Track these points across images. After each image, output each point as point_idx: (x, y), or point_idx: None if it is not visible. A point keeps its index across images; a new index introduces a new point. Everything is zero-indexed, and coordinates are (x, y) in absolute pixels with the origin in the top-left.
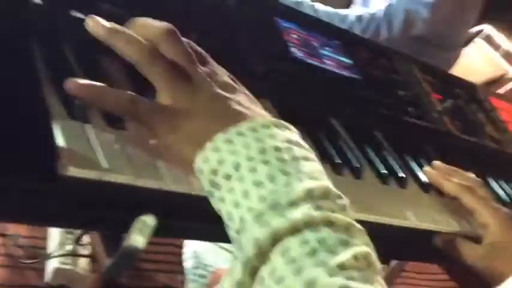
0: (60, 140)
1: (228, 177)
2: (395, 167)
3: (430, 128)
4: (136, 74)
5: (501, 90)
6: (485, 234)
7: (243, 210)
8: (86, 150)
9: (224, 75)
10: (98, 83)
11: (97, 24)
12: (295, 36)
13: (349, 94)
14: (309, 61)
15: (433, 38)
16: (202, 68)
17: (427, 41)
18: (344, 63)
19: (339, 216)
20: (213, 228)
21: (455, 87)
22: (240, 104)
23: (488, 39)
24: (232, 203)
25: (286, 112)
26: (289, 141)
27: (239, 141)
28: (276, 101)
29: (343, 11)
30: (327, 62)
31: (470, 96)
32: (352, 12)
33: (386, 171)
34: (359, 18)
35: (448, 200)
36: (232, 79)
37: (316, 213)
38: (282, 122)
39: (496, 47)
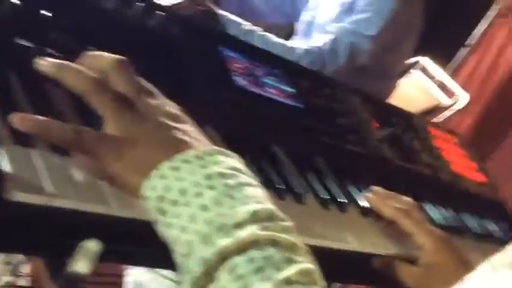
0: (5, 166)
1: (174, 203)
2: (336, 192)
3: (369, 155)
4: (84, 104)
5: (437, 120)
6: (420, 255)
7: (190, 233)
8: (32, 176)
9: (171, 106)
10: (41, 118)
11: (46, 62)
12: (238, 65)
13: (292, 122)
14: (252, 90)
15: (373, 69)
16: (149, 99)
17: (368, 71)
18: (287, 92)
19: (283, 236)
20: (159, 254)
21: (393, 116)
22: (185, 133)
23: (424, 70)
24: (179, 228)
25: (230, 139)
26: (234, 168)
27: (185, 168)
28: (220, 128)
29: (291, 43)
30: (270, 90)
31: (407, 124)
32: (300, 45)
33: (327, 197)
34: (306, 51)
35: (386, 224)
36: (180, 110)
37: (262, 233)
38: (226, 150)
39: (431, 77)
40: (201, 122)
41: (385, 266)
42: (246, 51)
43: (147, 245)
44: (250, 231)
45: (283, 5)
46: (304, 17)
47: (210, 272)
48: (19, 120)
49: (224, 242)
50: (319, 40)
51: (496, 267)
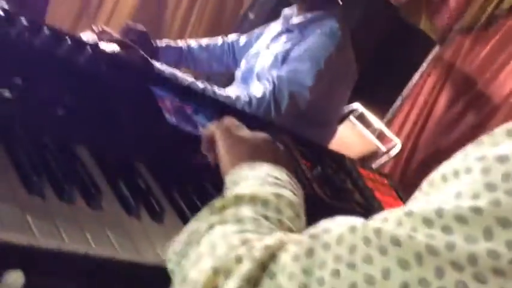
0: None
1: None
2: None
3: None
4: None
5: (374, 165)
6: None
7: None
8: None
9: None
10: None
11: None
12: (169, 103)
13: None
14: (183, 127)
15: (310, 116)
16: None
17: (306, 119)
18: None
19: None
20: (84, 285)
21: (323, 157)
22: (277, 154)
23: (361, 118)
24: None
25: (159, 174)
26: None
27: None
28: (149, 165)
29: (232, 93)
30: (200, 128)
31: (339, 165)
32: (242, 95)
33: None
34: (249, 102)
35: None
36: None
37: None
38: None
39: (368, 124)
40: (132, 158)
41: None
42: (176, 91)
43: (72, 277)
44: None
45: (223, 56)
46: (243, 65)
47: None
48: None
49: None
50: (258, 88)
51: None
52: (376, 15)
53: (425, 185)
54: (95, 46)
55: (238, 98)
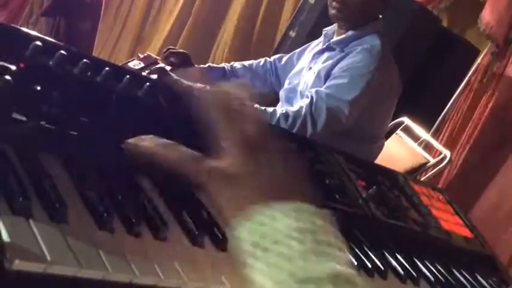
0: (5, 236)
1: (266, 250)
2: None
3: (357, 213)
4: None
5: (424, 179)
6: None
7: (274, 282)
8: (31, 245)
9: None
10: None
11: None
12: None
13: None
14: None
15: (354, 132)
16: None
17: (349, 136)
18: None
19: None
20: None
21: (378, 175)
22: (290, 182)
23: (408, 131)
24: (265, 275)
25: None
26: (323, 227)
27: (282, 220)
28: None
29: (270, 109)
30: None
31: (393, 183)
32: (278, 109)
33: None
34: (285, 115)
35: None
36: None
37: None
38: (320, 209)
39: (416, 137)
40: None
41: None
42: None
43: None
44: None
45: (266, 75)
46: (286, 84)
47: None
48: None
49: None
50: (298, 105)
51: None
52: (418, 27)
53: None
54: (150, 78)
55: (275, 111)
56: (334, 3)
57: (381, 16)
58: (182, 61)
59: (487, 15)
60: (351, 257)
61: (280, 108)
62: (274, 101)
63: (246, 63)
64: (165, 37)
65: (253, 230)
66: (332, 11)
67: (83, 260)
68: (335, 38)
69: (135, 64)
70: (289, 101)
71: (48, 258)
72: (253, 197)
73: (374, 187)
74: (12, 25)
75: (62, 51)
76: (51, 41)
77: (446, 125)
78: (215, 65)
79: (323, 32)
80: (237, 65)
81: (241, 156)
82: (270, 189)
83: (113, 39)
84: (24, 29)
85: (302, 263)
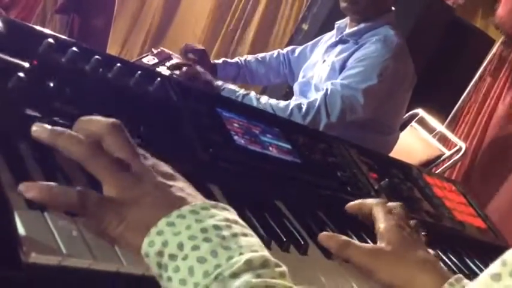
0: (21, 229)
1: (173, 257)
2: None
3: None
4: None
5: (439, 170)
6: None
7: (190, 286)
8: (46, 238)
9: (164, 166)
10: (44, 184)
11: (40, 129)
12: (237, 125)
13: (291, 177)
14: (252, 148)
15: (368, 124)
16: (143, 160)
17: (364, 127)
18: (284, 149)
19: (278, 281)
20: None
21: (390, 167)
22: (181, 190)
23: (423, 123)
24: (178, 281)
25: (233, 196)
26: (228, 220)
27: (181, 223)
28: (223, 186)
29: (284, 102)
30: (269, 147)
31: (405, 174)
32: (292, 101)
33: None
34: (299, 106)
35: None
36: (172, 169)
37: (255, 281)
38: (220, 204)
39: (431, 130)
40: (205, 180)
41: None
42: (242, 112)
43: None
44: (244, 279)
45: (279, 67)
46: (300, 77)
47: None
48: (25, 188)
49: None
50: (313, 97)
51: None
52: (432, 18)
53: None
54: (163, 74)
55: (289, 103)
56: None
57: (393, 8)
58: (199, 57)
59: (500, 7)
60: (257, 238)
61: (293, 100)
62: (288, 94)
63: (259, 56)
64: (183, 32)
65: (152, 241)
66: (343, 4)
67: (98, 253)
68: (348, 31)
69: (149, 60)
70: (304, 94)
71: (64, 251)
72: (151, 214)
73: (386, 179)
74: (25, 23)
75: (74, 48)
76: (63, 38)
77: (462, 116)
78: (229, 60)
79: (335, 26)
80: (251, 58)
81: (119, 180)
82: (164, 199)
83: (127, 34)
84: (37, 27)
85: (214, 261)
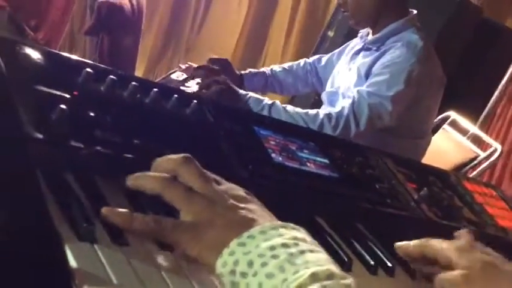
0: (73, 262)
1: (244, 274)
2: (383, 257)
3: (409, 216)
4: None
5: (474, 174)
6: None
7: None
8: (97, 269)
9: (237, 189)
10: (125, 211)
11: (131, 180)
12: (273, 142)
13: (330, 192)
14: (290, 164)
15: (399, 129)
16: (216, 186)
17: (394, 132)
18: (322, 164)
19: None
20: None
21: (427, 176)
22: (252, 212)
23: (455, 125)
24: None
25: (273, 213)
26: (296, 238)
27: (251, 243)
28: (264, 204)
29: (312, 111)
30: (306, 163)
31: (444, 182)
32: (321, 111)
33: (374, 263)
34: (328, 116)
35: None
36: (245, 192)
37: None
38: (290, 224)
39: (464, 132)
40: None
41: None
42: (278, 129)
43: None
44: None
45: (307, 76)
46: (328, 86)
47: None
48: (109, 213)
49: None
50: (340, 105)
51: None
52: (459, 19)
53: None
54: (199, 97)
55: (317, 113)
56: (345, 13)
57: (415, 11)
58: (223, 67)
59: None
60: (326, 254)
61: (321, 110)
62: (318, 102)
63: (286, 65)
64: (212, 46)
65: (225, 261)
66: (349, 22)
67: (147, 281)
68: (369, 38)
69: (178, 76)
70: (332, 104)
71: (114, 281)
72: (224, 235)
73: (425, 188)
74: (64, 53)
75: (112, 76)
76: (101, 67)
77: (495, 117)
78: (256, 70)
79: (358, 34)
80: (277, 68)
81: (193, 205)
82: (236, 221)
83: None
84: (74, 57)
85: (282, 276)
